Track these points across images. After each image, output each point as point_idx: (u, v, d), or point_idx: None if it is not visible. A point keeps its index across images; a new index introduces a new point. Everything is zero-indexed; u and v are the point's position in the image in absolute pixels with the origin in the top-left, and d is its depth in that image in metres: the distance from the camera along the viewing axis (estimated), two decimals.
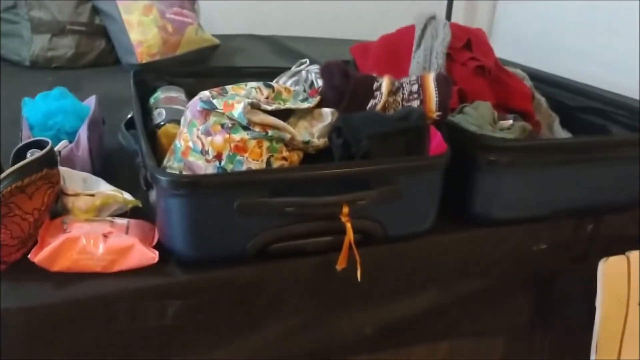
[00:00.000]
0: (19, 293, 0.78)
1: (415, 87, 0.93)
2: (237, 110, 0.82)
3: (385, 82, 0.92)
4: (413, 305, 0.98)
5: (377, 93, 0.92)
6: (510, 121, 1.14)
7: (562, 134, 1.25)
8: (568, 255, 1.10)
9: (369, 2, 2.85)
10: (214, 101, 0.84)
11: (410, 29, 1.32)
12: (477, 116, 1.09)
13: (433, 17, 1.31)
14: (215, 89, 0.90)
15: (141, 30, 1.90)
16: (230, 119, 0.82)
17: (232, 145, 0.82)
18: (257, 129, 0.83)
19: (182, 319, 0.83)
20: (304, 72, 1.27)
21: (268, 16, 2.68)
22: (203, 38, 2.03)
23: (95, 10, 1.97)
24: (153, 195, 0.88)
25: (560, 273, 1.12)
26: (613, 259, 1.04)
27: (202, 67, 1.80)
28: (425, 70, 1.18)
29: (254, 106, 0.83)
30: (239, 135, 0.82)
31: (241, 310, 0.87)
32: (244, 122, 0.82)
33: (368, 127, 0.86)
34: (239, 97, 0.84)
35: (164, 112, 1.15)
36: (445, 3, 2.94)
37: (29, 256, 0.81)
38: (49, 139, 0.86)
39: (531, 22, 2.79)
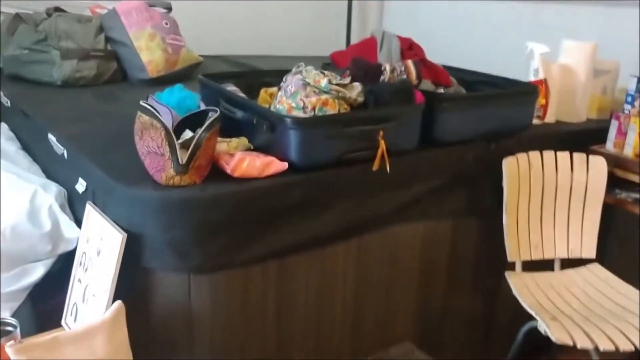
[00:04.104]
0: (219, 189, 1.43)
1: (402, 68, 1.69)
2: (323, 83, 1.53)
3: (388, 67, 1.67)
4: (408, 194, 1.74)
5: (385, 73, 1.67)
6: (442, 90, 1.94)
7: None
8: (483, 163, 1.91)
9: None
10: (308, 80, 1.55)
11: (371, 40, 2.09)
12: (426, 88, 1.88)
13: (384, 31, 2.09)
14: (297, 75, 1.60)
15: (149, 52, 2.52)
16: (319, 88, 1.53)
17: (321, 102, 1.53)
18: (333, 92, 1.54)
19: (301, 198, 1.52)
20: (304, 71, 1.99)
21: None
22: (192, 57, 2.68)
23: (107, 39, 2.55)
24: (265, 136, 1.56)
25: (479, 175, 1.92)
26: (509, 158, 1.88)
27: (232, 73, 2.40)
28: (390, 62, 1.95)
29: (330, 81, 1.55)
30: (324, 96, 1.53)
31: (326, 195, 1.57)
32: (327, 89, 1.53)
33: (386, 90, 1.61)
34: (320, 77, 1.55)
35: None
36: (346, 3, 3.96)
37: (226, 170, 1.46)
38: (216, 109, 1.52)
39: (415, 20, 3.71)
